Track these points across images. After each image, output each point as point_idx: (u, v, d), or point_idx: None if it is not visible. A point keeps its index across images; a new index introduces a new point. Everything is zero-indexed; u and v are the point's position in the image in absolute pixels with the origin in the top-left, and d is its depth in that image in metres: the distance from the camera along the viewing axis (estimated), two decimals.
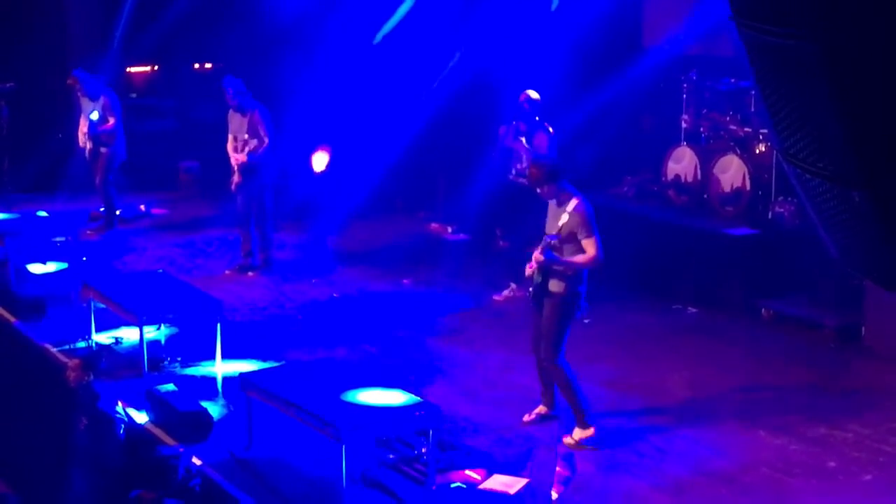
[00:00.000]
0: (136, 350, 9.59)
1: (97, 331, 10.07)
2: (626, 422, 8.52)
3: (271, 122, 12.21)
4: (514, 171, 11.55)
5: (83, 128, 13.87)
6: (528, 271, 8.22)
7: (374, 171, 13.87)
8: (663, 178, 12.53)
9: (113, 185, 13.88)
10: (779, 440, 8.24)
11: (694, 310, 11.22)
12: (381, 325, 10.76)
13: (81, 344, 9.97)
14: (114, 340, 10.16)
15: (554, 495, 7.38)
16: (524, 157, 11.29)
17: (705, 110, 12.33)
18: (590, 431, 8.14)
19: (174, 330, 10.24)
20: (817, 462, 7.91)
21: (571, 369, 8.23)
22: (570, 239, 8.07)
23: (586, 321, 8.59)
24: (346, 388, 7.65)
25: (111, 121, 13.69)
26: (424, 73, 14.17)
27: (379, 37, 14.61)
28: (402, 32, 14.54)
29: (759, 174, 11.58)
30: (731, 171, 11.75)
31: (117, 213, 14.08)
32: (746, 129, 11.90)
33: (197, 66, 17.84)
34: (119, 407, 8.42)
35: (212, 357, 9.46)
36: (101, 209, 14.02)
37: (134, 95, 17.25)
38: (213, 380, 9.29)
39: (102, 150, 13.73)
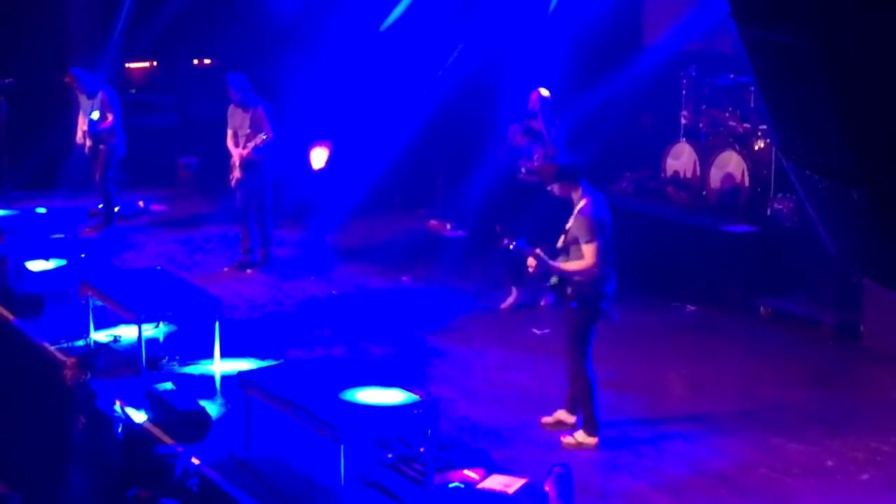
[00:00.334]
0: (134, 348, 9.57)
1: (95, 328, 10.04)
2: (624, 420, 8.50)
3: (275, 118, 12.20)
4: (523, 170, 11.45)
5: (82, 125, 13.85)
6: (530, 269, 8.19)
7: (373, 167, 13.84)
8: (662, 175, 12.52)
9: (112, 182, 13.85)
10: (777, 439, 8.23)
11: (692, 307, 11.20)
12: (379, 323, 10.74)
13: (79, 342, 9.96)
14: (112, 338, 10.13)
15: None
16: (536, 155, 11.18)
17: (704, 106, 12.31)
18: (593, 441, 8.10)
19: (173, 328, 10.22)
20: (815, 461, 7.90)
21: (595, 376, 8.15)
22: (575, 241, 8.01)
23: (616, 318, 8.36)
24: (345, 387, 7.64)
25: (110, 117, 13.66)
26: (424, 70, 14.14)
27: (385, 25, 14.57)
28: (402, 27, 14.52)
29: (758, 171, 11.56)
30: (730, 168, 11.74)
31: (116, 209, 14.05)
32: (746, 126, 11.89)
33: (196, 61, 17.81)
34: (117, 406, 8.40)
35: (210, 355, 9.45)
36: (100, 206, 14.00)
37: (133, 91, 17.20)
38: (211, 378, 9.28)
39: (102, 147, 13.71)
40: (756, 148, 11.78)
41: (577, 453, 7.96)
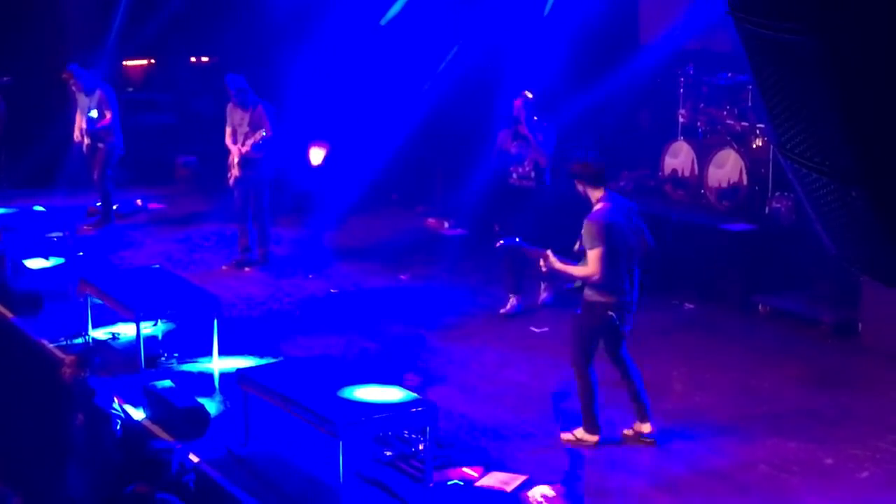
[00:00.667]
0: (132, 346, 9.58)
1: (94, 326, 10.06)
2: (622, 419, 8.49)
3: (275, 117, 12.21)
4: (514, 175, 11.28)
5: (80, 123, 13.84)
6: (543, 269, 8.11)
7: (370, 165, 13.85)
8: (660, 173, 12.51)
9: (111, 180, 13.85)
10: (775, 437, 8.23)
11: (691, 306, 11.20)
12: (378, 321, 10.74)
13: (78, 340, 9.96)
14: (110, 336, 10.15)
15: (552, 493, 7.37)
16: (527, 158, 11.08)
17: (702, 105, 12.31)
18: (593, 439, 8.08)
19: (171, 326, 10.23)
20: (814, 459, 7.90)
21: (597, 382, 8.08)
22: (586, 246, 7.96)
23: (626, 329, 8.17)
24: (344, 385, 7.64)
25: (108, 115, 13.65)
26: (421, 68, 14.15)
27: (385, 19, 14.56)
28: (399, 25, 14.52)
29: (756, 169, 11.56)
30: (728, 166, 11.73)
31: (114, 207, 14.05)
32: (743, 124, 11.89)
33: (194, 59, 17.81)
34: (115, 403, 8.40)
35: (209, 353, 9.46)
36: (98, 204, 14.00)
37: (131, 89, 17.21)
38: (210, 376, 9.29)
39: (100, 145, 13.71)
40: (754, 146, 11.78)
41: (576, 451, 7.97)
